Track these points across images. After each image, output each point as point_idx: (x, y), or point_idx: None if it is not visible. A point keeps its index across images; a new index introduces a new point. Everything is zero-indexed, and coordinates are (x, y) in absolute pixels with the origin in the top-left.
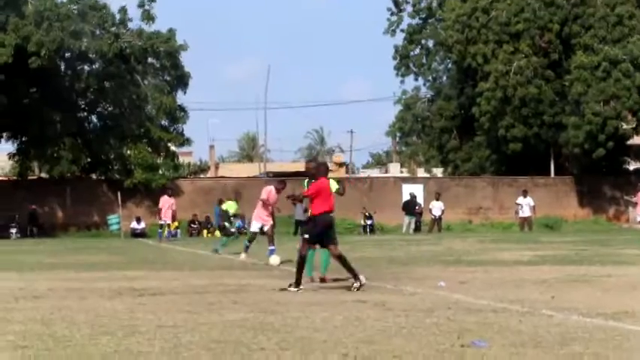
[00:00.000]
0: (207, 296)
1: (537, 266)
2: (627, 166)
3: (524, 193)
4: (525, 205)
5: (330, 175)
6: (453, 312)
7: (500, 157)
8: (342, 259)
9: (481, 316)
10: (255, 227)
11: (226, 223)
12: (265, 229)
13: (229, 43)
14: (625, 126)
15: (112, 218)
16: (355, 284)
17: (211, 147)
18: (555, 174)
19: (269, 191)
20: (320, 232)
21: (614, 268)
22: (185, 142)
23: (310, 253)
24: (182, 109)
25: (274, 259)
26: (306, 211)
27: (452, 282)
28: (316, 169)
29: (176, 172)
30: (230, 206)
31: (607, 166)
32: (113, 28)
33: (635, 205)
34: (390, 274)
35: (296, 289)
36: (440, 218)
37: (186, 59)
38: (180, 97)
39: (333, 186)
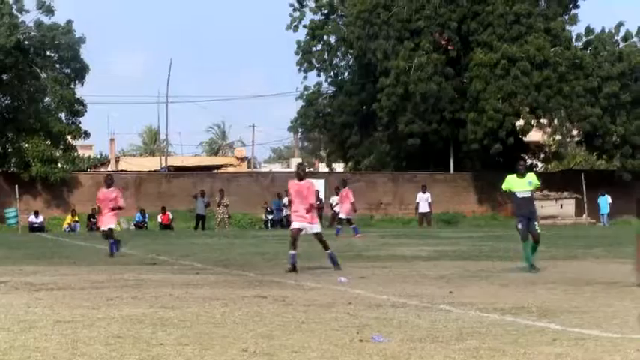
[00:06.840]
0: (106, 291)
1: (436, 261)
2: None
3: (424, 189)
4: (424, 201)
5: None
6: (352, 307)
7: (401, 153)
8: None
9: (380, 311)
10: None
11: None
12: None
13: (127, 37)
14: (523, 122)
15: (10, 212)
16: None
17: (112, 140)
18: (454, 170)
19: None
20: None
21: (511, 264)
22: (84, 135)
23: None
24: (81, 102)
25: None
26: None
27: (352, 277)
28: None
29: (75, 165)
30: None
31: (505, 162)
32: (9, 19)
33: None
34: None
35: None
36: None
37: (84, 52)
38: (80, 90)
39: None
